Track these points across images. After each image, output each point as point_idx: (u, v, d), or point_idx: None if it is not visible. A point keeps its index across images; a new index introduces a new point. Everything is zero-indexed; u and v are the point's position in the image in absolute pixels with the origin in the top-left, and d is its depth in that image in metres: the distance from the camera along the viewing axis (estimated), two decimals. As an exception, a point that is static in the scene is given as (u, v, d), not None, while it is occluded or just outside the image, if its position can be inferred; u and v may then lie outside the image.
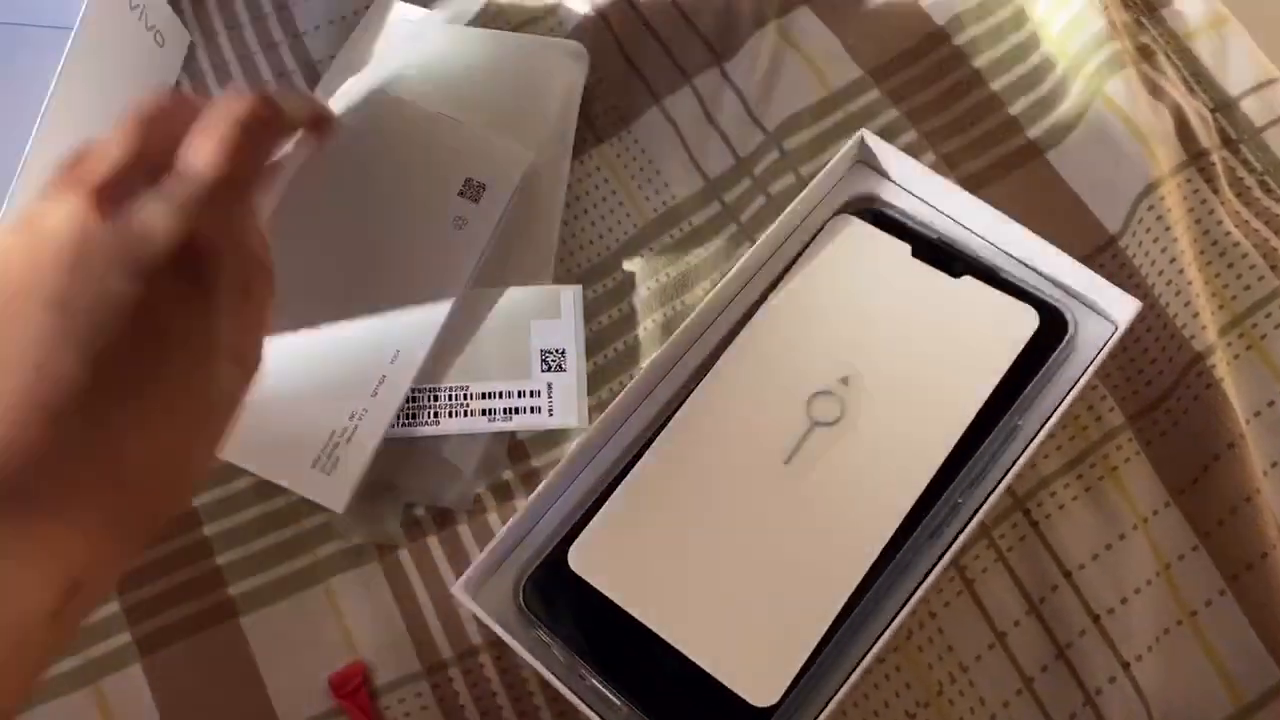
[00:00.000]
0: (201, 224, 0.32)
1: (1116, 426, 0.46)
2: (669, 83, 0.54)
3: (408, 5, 0.54)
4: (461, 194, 0.49)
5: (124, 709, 0.44)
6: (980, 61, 0.52)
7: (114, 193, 0.32)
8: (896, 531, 0.39)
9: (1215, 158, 0.49)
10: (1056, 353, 0.42)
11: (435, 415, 0.47)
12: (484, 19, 0.56)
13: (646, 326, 0.49)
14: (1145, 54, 0.52)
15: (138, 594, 0.46)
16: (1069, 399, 0.41)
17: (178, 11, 0.57)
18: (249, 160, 0.34)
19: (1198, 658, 0.42)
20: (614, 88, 0.54)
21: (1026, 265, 0.44)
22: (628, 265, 0.51)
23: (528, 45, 0.53)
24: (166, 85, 0.55)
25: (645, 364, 0.46)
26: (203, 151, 0.33)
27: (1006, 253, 0.45)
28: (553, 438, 0.48)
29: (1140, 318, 0.47)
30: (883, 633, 0.38)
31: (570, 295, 0.49)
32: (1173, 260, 0.47)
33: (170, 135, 0.34)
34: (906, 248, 0.44)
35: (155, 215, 0.31)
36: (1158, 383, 0.46)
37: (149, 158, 0.33)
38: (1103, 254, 0.48)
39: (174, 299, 0.31)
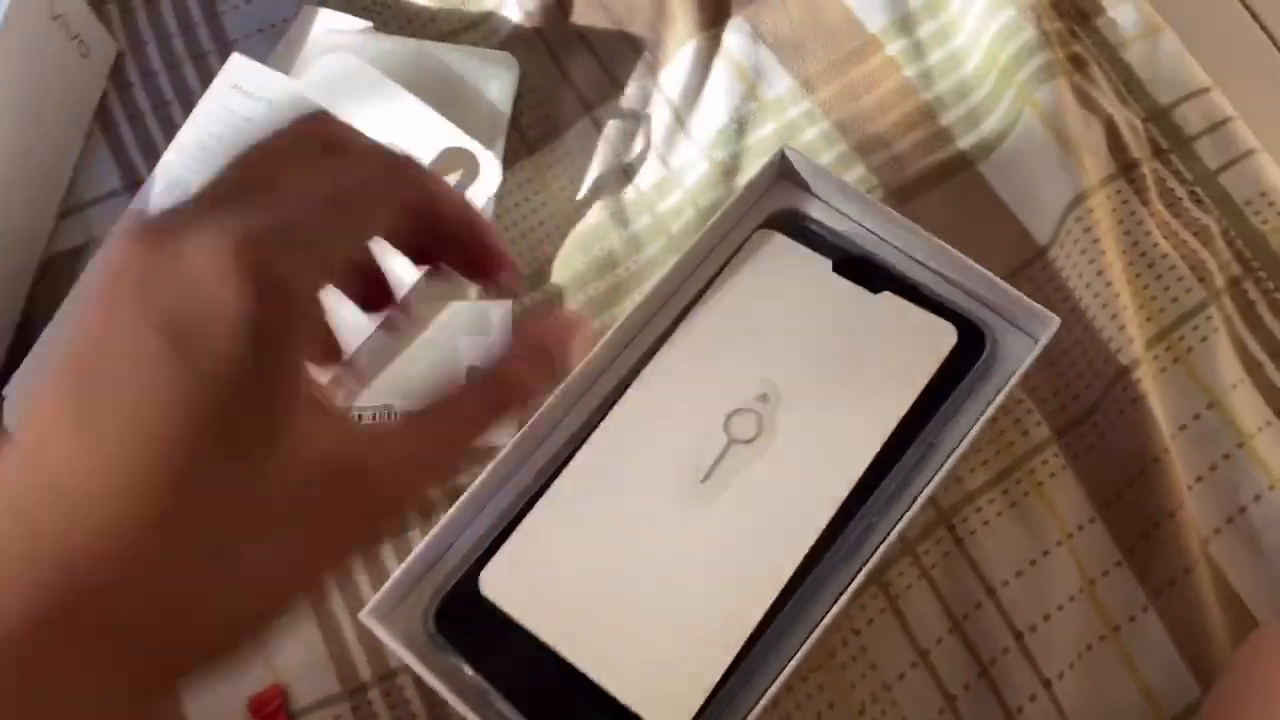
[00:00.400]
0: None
1: (1043, 440, 0.45)
2: (601, 92, 0.53)
3: (334, 14, 0.54)
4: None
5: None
6: (911, 71, 0.52)
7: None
8: (811, 550, 0.39)
9: (1146, 169, 0.49)
10: (975, 368, 0.41)
11: (357, 433, 0.46)
12: (414, 27, 0.55)
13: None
14: (1078, 63, 0.51)
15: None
16: (987, 415, 0.40)
17: (104, 20, 0.56)
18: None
19: (1119, 674, 0.42)
20: (546, 97, 0.54)
21: (948, 280, 0.44)
22: (557, 278, 0.50)
23: (456, 56, 0.52)
24: (91, 97, 0.55)
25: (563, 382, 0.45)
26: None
27: (928, 267, 0.44)
28: (483, 456, 0.47)
29: (1067, 330, 0.46)
30: (795, 653, 0.38)
31: (500, 311, 0.49)
32: (1100, 273, 0.46)
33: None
34: (828, 263, 0.44)
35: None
36: (1084, 397, 0.46)
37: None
38: (1031, 266, 0.48)
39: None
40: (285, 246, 0.23)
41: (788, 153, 0.45)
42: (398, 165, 0.26)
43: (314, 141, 0.25)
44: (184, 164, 0.50)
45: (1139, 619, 0.43)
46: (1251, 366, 0.46)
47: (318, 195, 0.24)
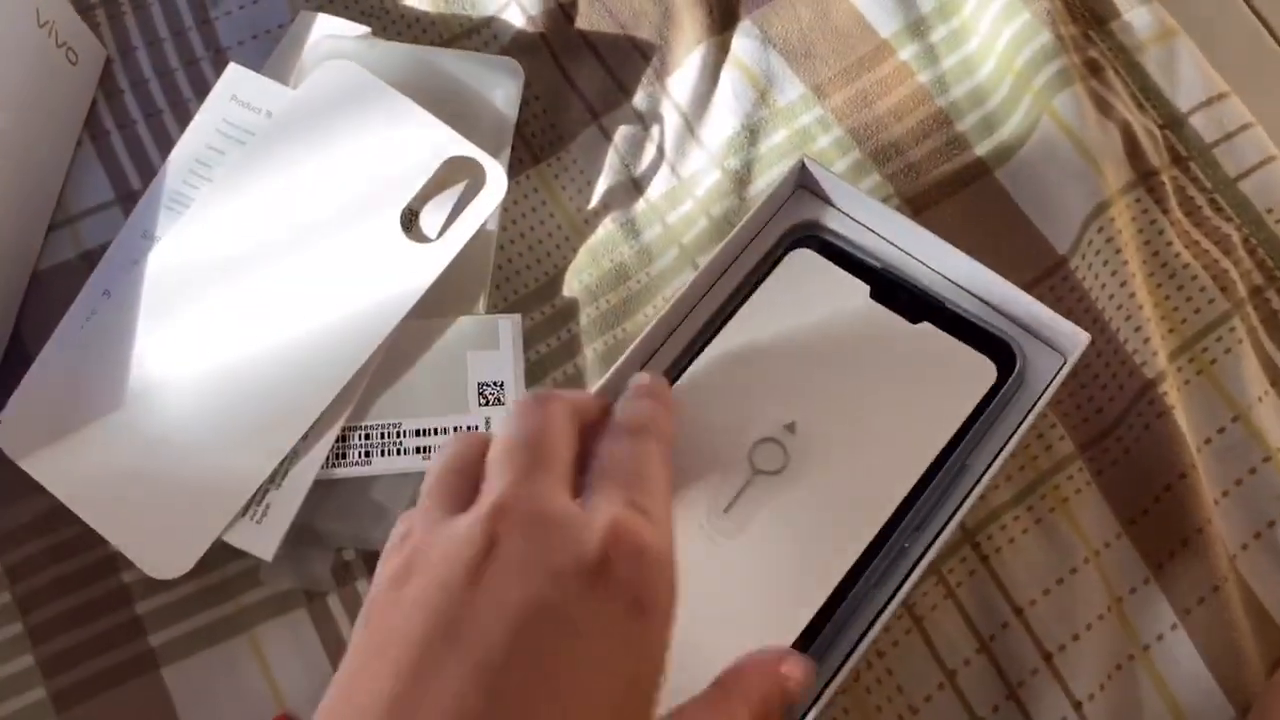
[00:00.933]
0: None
1: (1067, 456, 0.45)
2: (608, 99, 0.52)
3: (331, 19, 0.52)
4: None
5: (39, 769, 0.42)
6: (925, 77, 0.51)
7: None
8: (841, 584, 0.38)
9: (1165, 177, 0.48)
10: (1004, 390, 0.40)
11: (366, 454, 0.45)
12: (416, 32, 0.54)
13: (587, 355, 0.48)
14: (1093, 69, 0.50)
15: (53, 645, 0.44)
16: (1018, 436, 0.39)
17: (92, 26, 0.54)
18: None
19: (1150, 695, 0.41)
20: (551, 105, 0.52)
21: (974, 295, 0.43)
22: (567, 291, 0.49)
23: (458, 62, 0.51)
24: (81, 105, 0.53)
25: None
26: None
27: (954, 283, 0.43)
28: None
29: (1090, 344, 0.46)
30: (831, 682, 0.37)
31: (509, 325, 0.47)
32: (1123, 284, 0.46)
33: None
34: (864, 288, 0.43)
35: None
36: (1108, 410, 0.45)
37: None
38: (1052, 276, 0.47)
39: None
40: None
41: (807, 163, 0.44)
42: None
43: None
44: (182, 178, 0.48)
45: (1168, 637, 0.42)
46: (1276, 378, 0.46)
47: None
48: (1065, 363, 0.40)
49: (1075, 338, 0.40)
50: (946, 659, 0.42)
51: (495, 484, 0.30)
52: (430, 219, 0.47)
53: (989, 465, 0.39)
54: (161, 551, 0.44)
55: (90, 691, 0.43)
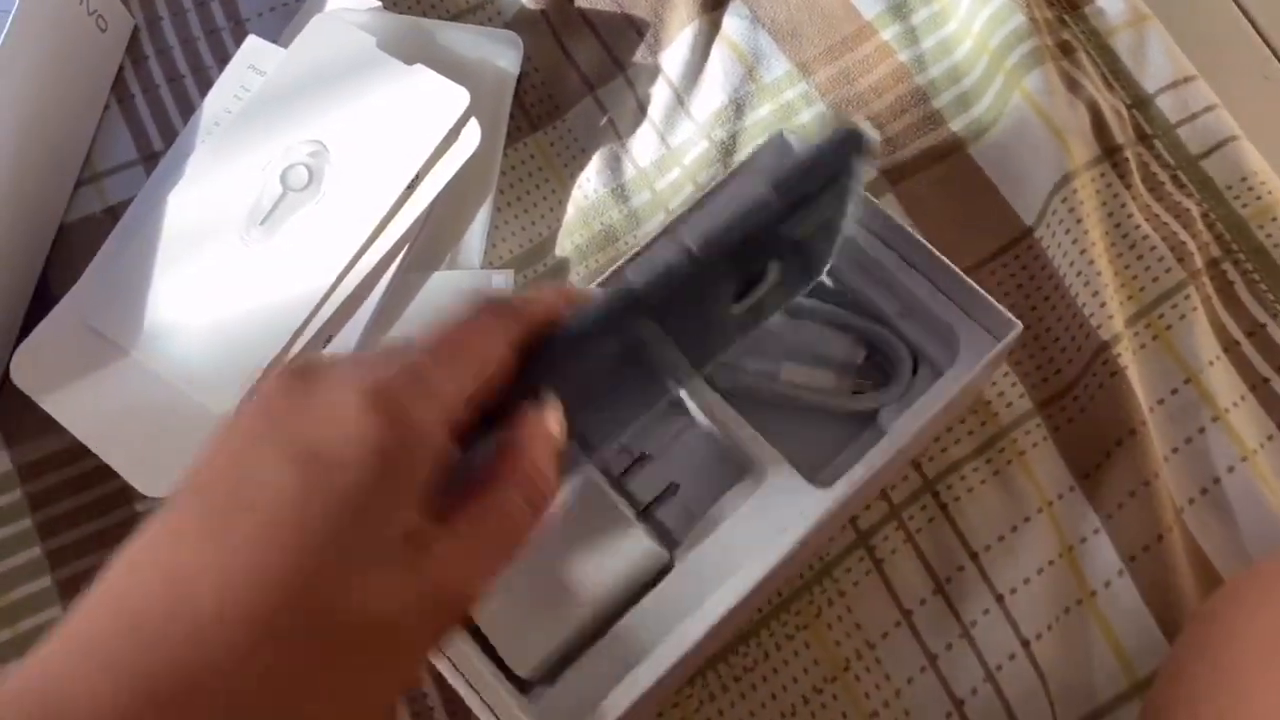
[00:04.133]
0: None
1: (1025, 413, 0.47)
2: (603, 73, 0.55)
3: (346, -6, 0.55)
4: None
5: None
6: (905, 56, 0.54)
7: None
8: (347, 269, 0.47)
9: (1129, 153, 0.51)
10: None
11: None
12: (422, 7, 0.57)
13: (576, 312, 0.50)
14: (1065, 50, 0.53)
15: (70, 568, 0.47)
16: (940, 408, 0.41)
17: (121, -3, 0.57)
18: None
19: (1095, 636, 0.44)
20: (549, 77, 0.55)
21: (925, 278, 0.44)
22: (559, 251, 0.52)
23: (461, 35, 0.54)
24: (109, 70, 0.56)
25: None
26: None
27: (907, 261, 0.45)
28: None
29: (1050, 308, 0.48)
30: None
31: (502, 279, 0.50)
32: (1083, 251, 0.48)
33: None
34: (372, 39, 0.50)
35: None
36: (1066, 371, 0.47)
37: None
38: (1018, 245, 0.50)
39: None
40: (409, 389, 0.26)
41: (786, 135, 0.46)
42: (499, 310, 0.29)
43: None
44: (201, 140, 0.51)
45: (1114, 584, 0.44)
46: (1229, 344, 0.48)
47: (437, 348, 0.28)
48: (997, 345, 0.42)
49: (1009, 324, 0.42)
50: (904, 599, 0.45)
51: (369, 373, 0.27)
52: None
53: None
54: (170, 484, 0.46)
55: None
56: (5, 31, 0.49)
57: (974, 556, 0.45)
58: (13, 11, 0.49)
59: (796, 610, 0.45)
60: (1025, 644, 0.44)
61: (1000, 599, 0.44)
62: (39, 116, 0.51)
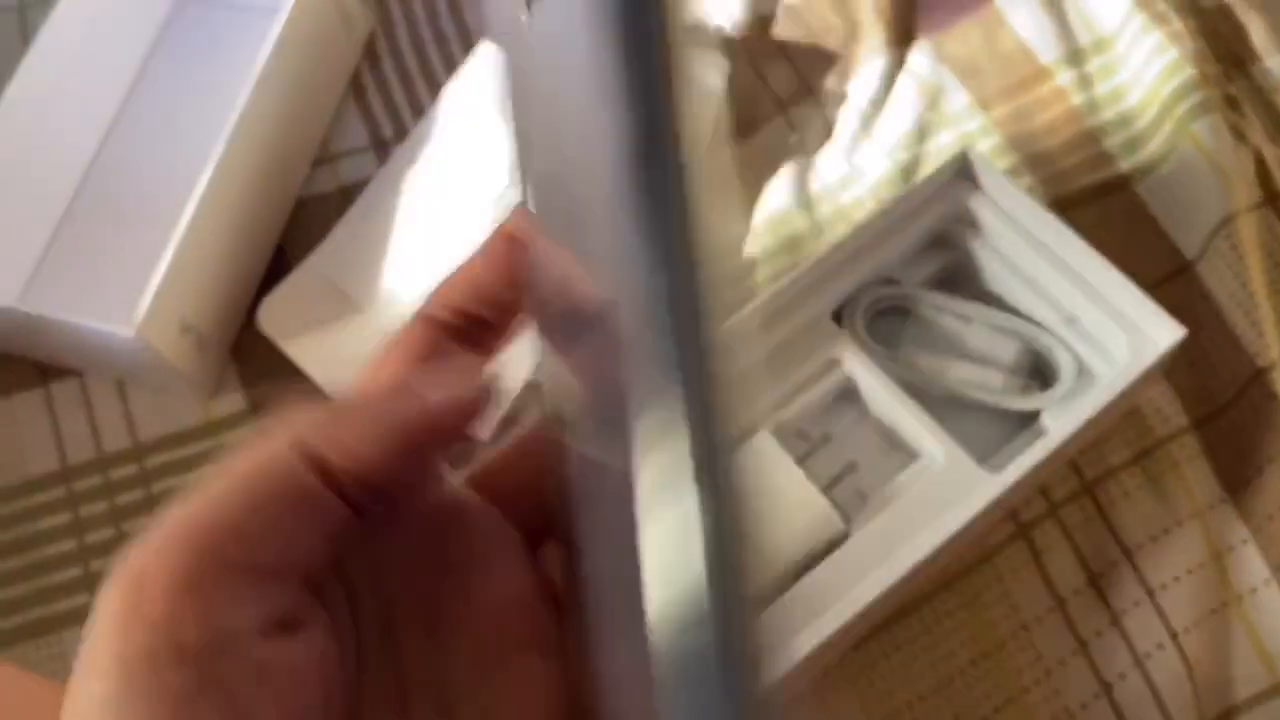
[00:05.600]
0: None
1: (1180, 428, 0.50)
2: (794, 97, 0.60)
3: (568, 11, 0.61)
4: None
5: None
6: (1078, 99, 0.58)
7: None
8: None
9: (1291, 199, 0.55)
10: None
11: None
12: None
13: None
14: (1231, 103, 0.57)
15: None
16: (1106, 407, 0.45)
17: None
18: None
19: (1240, 638, 0.47)
20: (744, 96, 0.61)
21: (1094, 288, 0.49)
22: (746, 253, 0.57)
23: (673, 53, 0.59)
24: (348, 66, 0.63)
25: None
26: None
27: (1075, 271, 0.49)
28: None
29: (1209, 335, 0.52)
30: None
31: None
32: (1243, 285, 0.52)
33: None
34: None
35: None
36: (1221, 392, 0.51)
37: None
38: (1179, 277, 0.53)
39: None
40: None
41: (970, 155, 0.51)
42: None
43: None
44: (438, 130, 0.58)
45: (1261, 591, 0.48)
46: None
47: None
48: (1162, 350, 0.46)
49: (1174, 330, 0.46)
50: (1059, 587, 0.48)
51: None
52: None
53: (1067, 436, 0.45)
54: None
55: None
56: (278, 32, 0.55)
57: (1127, 553, 0.48)
58: (285, 12, 0.56)
59: (959, 590, 0.49)
60: (1174, 635, 0.47)
61: (1151, 593, 0.48)
62: (289, 105, 0.58)
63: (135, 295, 0.49)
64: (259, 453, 0.19)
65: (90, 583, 0.52)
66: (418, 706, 0.22)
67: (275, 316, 0.54)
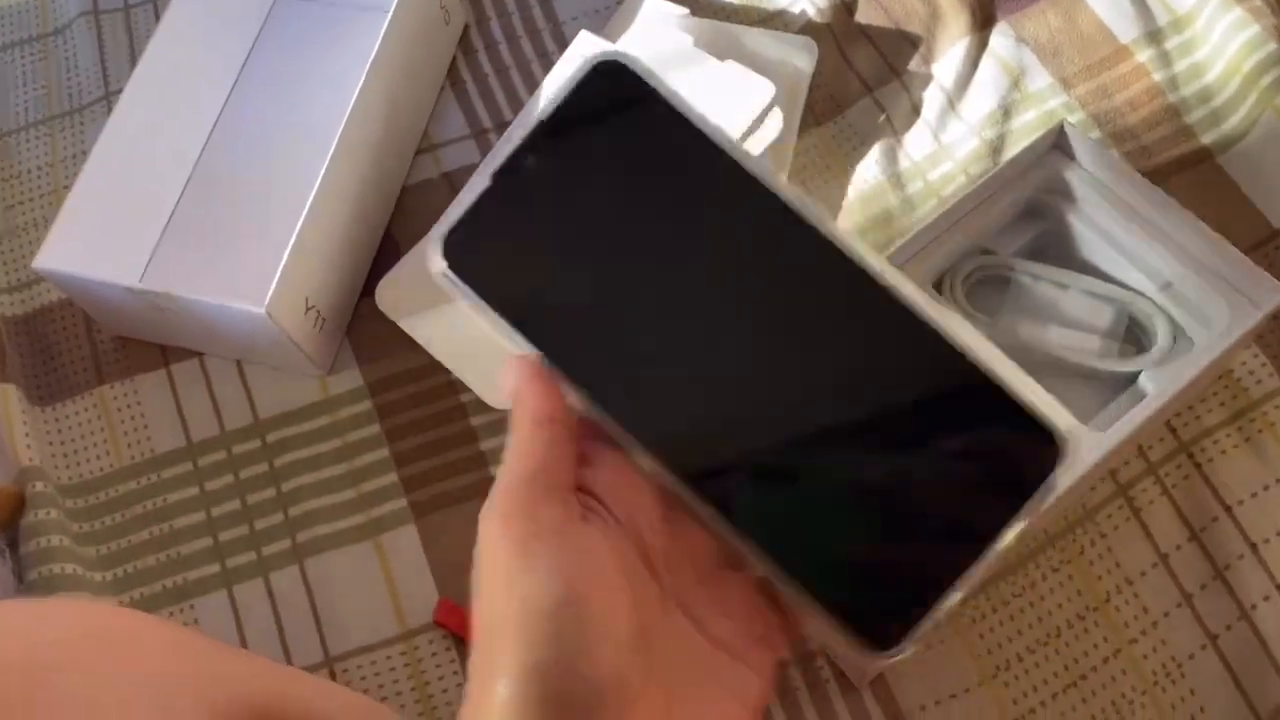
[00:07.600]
0: None
1: (1275, 389, 0.52)
2: (880, 78, 0.62)
3: (656, 1, 0.63)
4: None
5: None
6: (1159, 76, 0.60)
7: None
8: None
9: (1374, 167, 0.56)
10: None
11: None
12: (720, 17, 0.65)
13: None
14: (1312, 77, 0.58)
15: (413, 468, 0.55)
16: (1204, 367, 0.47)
17: (458, -3, 0.67)
18: None
19: (1343, 587, 0.48)
20: (831, 80, 0.62)
21: (1193, 256, 0.50)
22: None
23: (763, 38, 0.61)
24: (446, 59, 0.65)
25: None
26: None
27: (1173, 238, 0.51)
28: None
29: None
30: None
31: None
32: (1332, 250, 0.53)
33: None
34: (689, 38, 0.57)
35: None
36: (1314, 354, 0.52)
37: None
38: (1266, 245, 0.55)
39: None
40: None
41: (1066, 127, 0.53)
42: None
43: None
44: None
45: (1362, 544, 0.49)
46: None
47: None
48: (1262, 311, 0.48)
49: (1275, 291, 0.48)
50: (1160, 543, 0.50)
51: None
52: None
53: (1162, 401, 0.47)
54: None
55: (439, 505, 0.54)
56: (385, 29, 0.57)
57: (1228, 509, 0.50)
58: (391, 10, 0.58)
59: (1061, 547, 0.50)
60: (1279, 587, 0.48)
61: (1254, 546, 0.49)
62: (395, 98, 0.60)
63: (260, 276, 0.52)
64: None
65: (220, 553, 0.54)
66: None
67: (392, 296, 0.57)
